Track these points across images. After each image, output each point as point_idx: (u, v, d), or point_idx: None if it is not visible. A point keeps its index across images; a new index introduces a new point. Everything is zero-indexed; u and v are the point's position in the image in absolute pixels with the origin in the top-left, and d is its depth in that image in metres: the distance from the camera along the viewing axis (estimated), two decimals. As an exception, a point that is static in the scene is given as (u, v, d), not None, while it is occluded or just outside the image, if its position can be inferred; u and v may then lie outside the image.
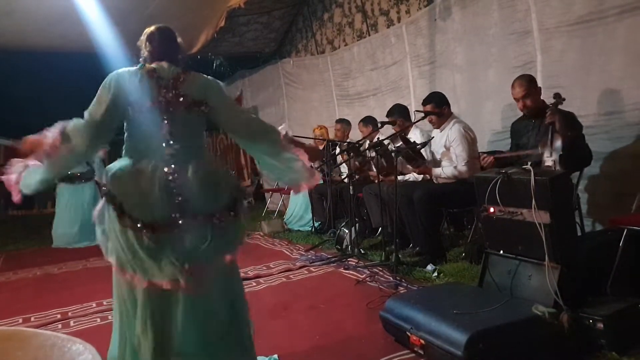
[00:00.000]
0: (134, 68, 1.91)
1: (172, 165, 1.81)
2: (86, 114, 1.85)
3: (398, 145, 3.81)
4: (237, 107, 2.15)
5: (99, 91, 1.86)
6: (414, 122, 4.39)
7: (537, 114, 3.18)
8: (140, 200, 1.77)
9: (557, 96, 2.95)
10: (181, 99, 1.88)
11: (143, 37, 1.99)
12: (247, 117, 2.06)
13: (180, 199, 1.79)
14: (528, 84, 3.22)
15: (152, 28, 2.00)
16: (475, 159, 3.85)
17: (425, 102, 4.02)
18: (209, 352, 1.83)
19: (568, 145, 2.84)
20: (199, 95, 1.93)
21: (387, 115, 4.56)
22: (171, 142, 1.84)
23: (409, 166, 4.15)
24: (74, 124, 1.84)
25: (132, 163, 1.84)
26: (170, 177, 1.80)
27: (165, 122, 1.85)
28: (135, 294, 1.79)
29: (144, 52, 1.98)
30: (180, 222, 1.78)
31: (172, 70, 1.92)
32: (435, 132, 4.09)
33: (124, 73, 1.88)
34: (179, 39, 2.03)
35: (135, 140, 1.88)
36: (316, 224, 5.63)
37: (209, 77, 2.02)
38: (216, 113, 1.96)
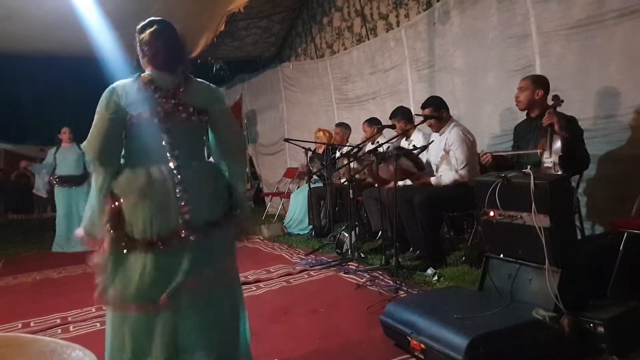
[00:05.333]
0: (130, 79, 1.86)
1: (176, 173, 1.79)
2: (86, 146, 1.80)
3: (403, 165, 3.81)
4: (233, 123, 2.06)
5: (96, 113, 1.80)
6: (415, 125, 4.40)
7: (540, 116, 3.18)
8: (142, 206, 1.76)
9: (556, 98, 2.97)
10: (181, 108, 1.85)
11: (143, 37, 1.88)
12: (237, 138, 2.06)
13: (186, 209, 1.77)
14: (530, 80, 3.27)
15: (153, 30, 1.89)
16: (475, 162, 3.87)
17: (423, 106, 4.04)
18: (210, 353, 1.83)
19: (566, 147, 2.84)
20: (201, 104, 1.90)
21: (391, 117, 4.56)
22: (173, 151, 1.82)
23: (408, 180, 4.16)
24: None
25: (133, 169, 1.82)
26: (176, 186, 1.78)
27: (165, 132, 1.82)
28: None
29: (141, 56, 1.91)
30: (183, 233, 1.77)
31: (172, 80, 1.88)
32: (435, 136, 4.09)
33: (118, 88, 1.82)
34: (182, 39, 1.95)
35: (134, 150, 1.85)
36: (308, 229, 5.69)
37: (211, 85, 1.99)
38: (212, 121, 1.94)
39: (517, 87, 3.34)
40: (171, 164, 1.81)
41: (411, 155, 3.84)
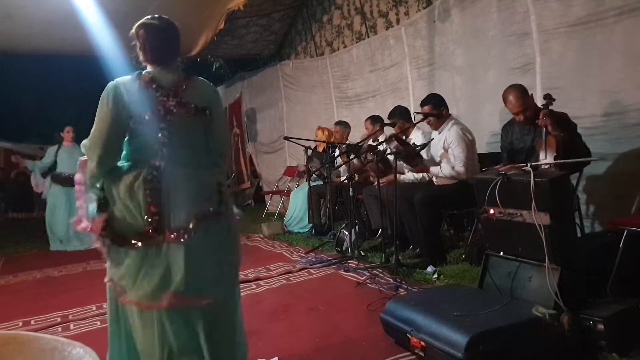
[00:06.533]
0: (131, 77, 1.84)
1: (157, 175, 1.77)
2: (88, 144, 1.83)
3: (394, 146, 3.81)
4: (224, 125, 2.22)
5: (98, 110, 1.80)
6: (415, 124, 4.40)
7: (533, 116, 3.17)
8: (123, 206, 1.76)
9: (548, 97, 2.94)
10: (183, 107, 1.84)
11: (137, 32, 1.88)
12: (227, 141, 2.27)
13: (159, 212, 1.76)
14: (523, 95, 3.19)
15: (147, 24, 1.89)
16: (474, 160, 3.87)
17: (423, 104, 4.04)
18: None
19: (562, 146, 2.84)
20: (203, 103, 1.89)
21: (389, 117, 4.57)
22: (167, 150, 1.80)
23: (405, 168, 4.16)
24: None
25: (127, 168, 1.82)
26: (152, 188, 1.76)
27: (165, 131, 1.81)
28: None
29: (139, 52, 1.90)
30: (159, 235, 1.76)
31: (172, 77, 1.87)
32: (434, 134, 4.09)
33: (120, 85, 1.81)
34: (177, 32, 1.94)
35: (134, 149, 1.84)
36: (308, 227, 5.69)
37: (211, 84, 2.01)
38: (210, 122, 1.93)
39: (512, 108, 3.23)
40: (159, 163, 1.79)
41: (412, 151, 3.85)
